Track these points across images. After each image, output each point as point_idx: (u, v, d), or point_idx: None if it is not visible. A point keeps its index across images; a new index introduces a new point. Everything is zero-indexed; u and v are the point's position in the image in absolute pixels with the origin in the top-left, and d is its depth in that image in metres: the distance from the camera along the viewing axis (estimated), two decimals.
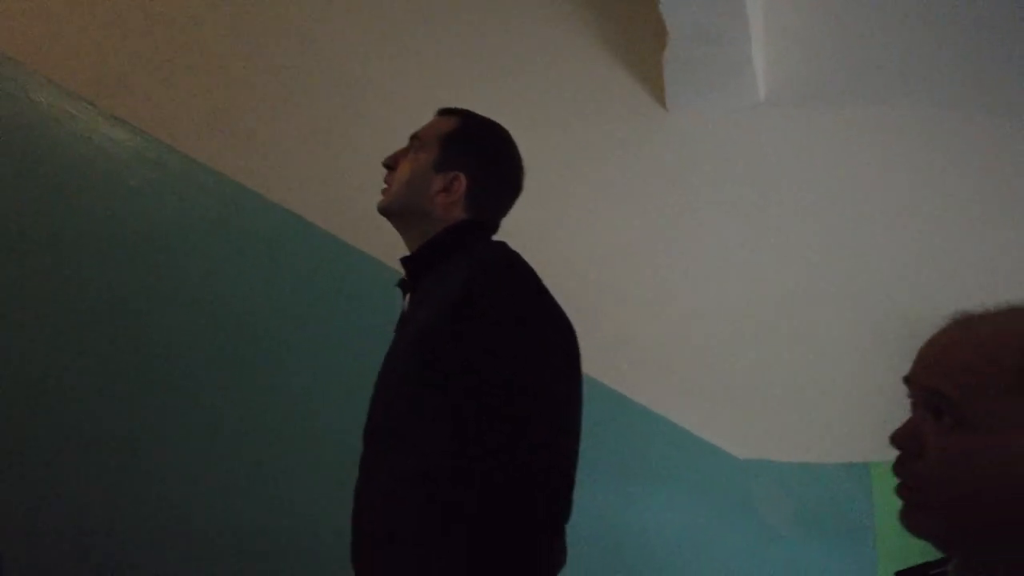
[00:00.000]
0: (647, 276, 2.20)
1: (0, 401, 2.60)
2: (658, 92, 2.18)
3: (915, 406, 0.80)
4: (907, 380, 0.82)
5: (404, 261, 1.42)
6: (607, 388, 2.20)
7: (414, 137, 1.44)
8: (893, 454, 1.92)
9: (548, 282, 1.40)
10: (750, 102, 2.12)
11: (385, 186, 1.44)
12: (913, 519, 0.78)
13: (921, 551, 1.96)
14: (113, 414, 2.55)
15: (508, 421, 1.17)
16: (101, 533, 2.48)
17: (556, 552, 1.25)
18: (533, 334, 1.25)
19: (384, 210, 1.44)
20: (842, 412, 2.03)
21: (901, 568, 1.89)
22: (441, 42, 2.37)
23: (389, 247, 2.38)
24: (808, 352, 2.06)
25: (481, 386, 1.19)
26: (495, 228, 1.47)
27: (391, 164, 1.44)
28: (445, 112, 1.47)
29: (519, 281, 1.28)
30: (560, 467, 1.23)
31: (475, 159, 1.41)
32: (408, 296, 1.43)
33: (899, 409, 1.91)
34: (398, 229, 1.45)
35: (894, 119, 2.04)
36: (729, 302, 2.14)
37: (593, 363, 2.22)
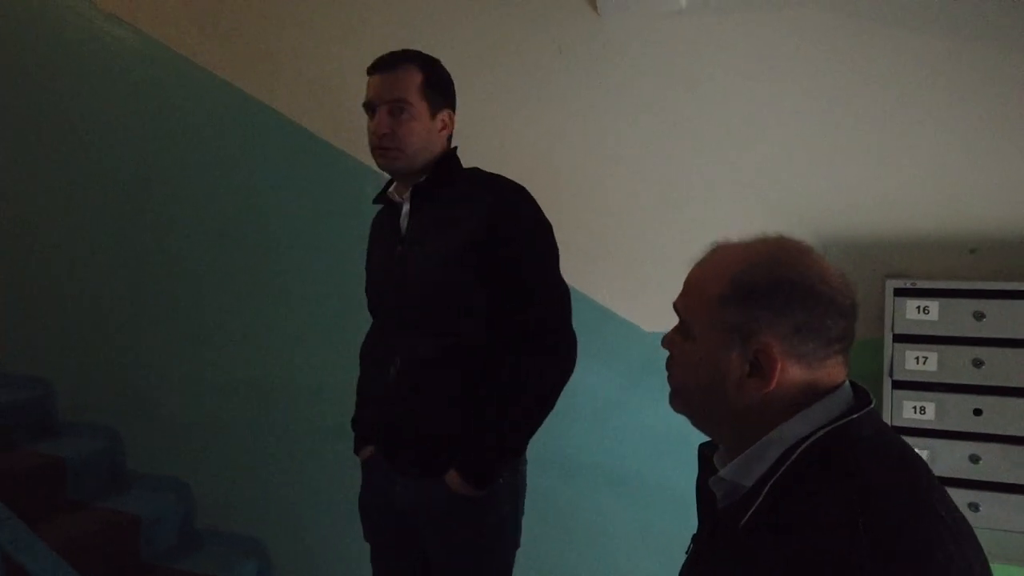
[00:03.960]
0: (576, 171, 2.43)
1: (26, 269, 3.04)
2: None
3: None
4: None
5: (417, 189, 1.64)
6: None
7: (398, 101, 1.59)
8: None
9: None
10: (673, 8, 2.27)
11: (391, 149, 1.60)
12: (671, 402, 0.99)
13: None
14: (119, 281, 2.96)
15: (538, 305, 1.62)
16: (131, 370, 2.96)
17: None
18: (550, 239, 1.66)
19: (404, 170, 1.63)
20: None
21: None
22: None
23: (354, 143, 2.66)
24: (711, 238, 2.29)
25: (515, 285, 1.59)
26: None
27: (392, 137, 1.59)
28: (397, 64, 1.62)
29: (532, 198, 1.66)
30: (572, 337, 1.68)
31: (448, 91, 1.67)
32: (406, 212, 1.66)
33: None
34: (402, 173, 1.66)
35: (804, 24, 2.18)
36: (648, 193, 2.37)
37: None
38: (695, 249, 2.37)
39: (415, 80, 1.60)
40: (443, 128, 1.65)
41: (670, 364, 0.97)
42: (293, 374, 2.75)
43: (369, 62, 2.71)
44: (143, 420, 2.94)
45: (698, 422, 0.97)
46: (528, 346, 1.59)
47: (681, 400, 0.97)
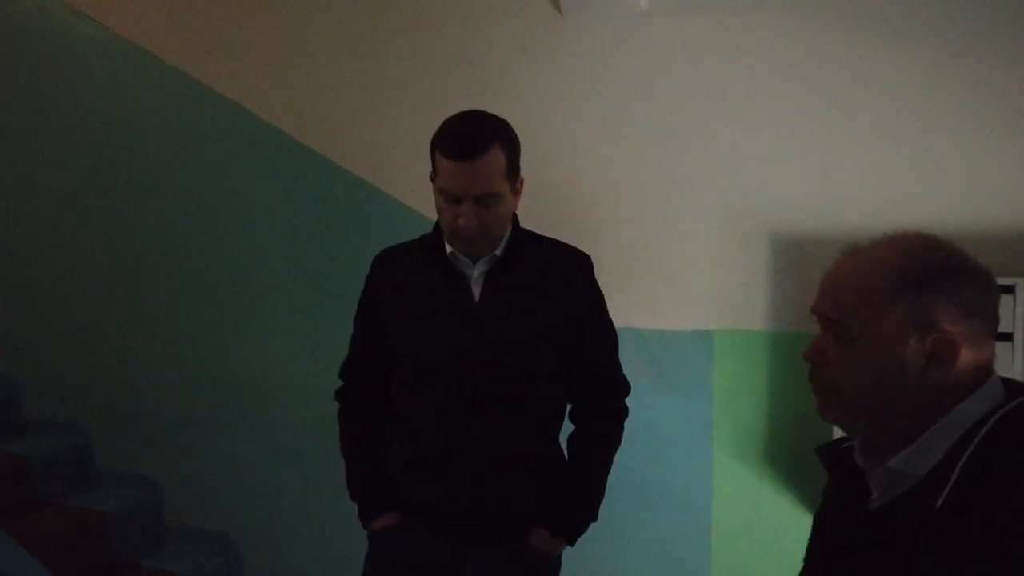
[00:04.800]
0: (540, 169, 2.48)
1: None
2: None
3: (821, 328, 0.96)
4: (812, 310, 0.97)
5: (500, 260, 1.56)
6: None
7: (489, 194, 1.46)
8: (731, 322, 2.30)
9: None
10: (634, 10, 2.33)
11: (479, 238, 1.50)
12: (826, 413, 0.96)
13: (748, 401, 2.34)
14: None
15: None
16: (98, 368, 2.96)
17: None
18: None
19: (488, 252, 1.55)
20: (693, 287, 2.35)
21: (734, 414, 2.25)
22: None
23: (323, 142, 2.68)
24: (669, 236, 2.36)
25: (594, 353, 1.67)
26: None
27: (479, 227, 1.48)
28: (483, 150, 1.44)
29: None
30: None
31: (519, 155, 1.54)
32: (478, 277, 1.56)
33: (739, 288, 2.26)
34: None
35: (761, 28, 2.24)
36: (611, 191, 2.42)
37: None
38: (658, 245, 2.43)
39: (501, 165, 1.47)
40: (517, 195, 1.57)
41: (821, 372, 0.94)
42: (263, 371, 2.77)
43: (336, 58, 2.73)
44: (111, 417, 2.94)
45: (858, 423, 0.94)
46: (598, 411, 1.70)
47: (841, 405, 0.93)
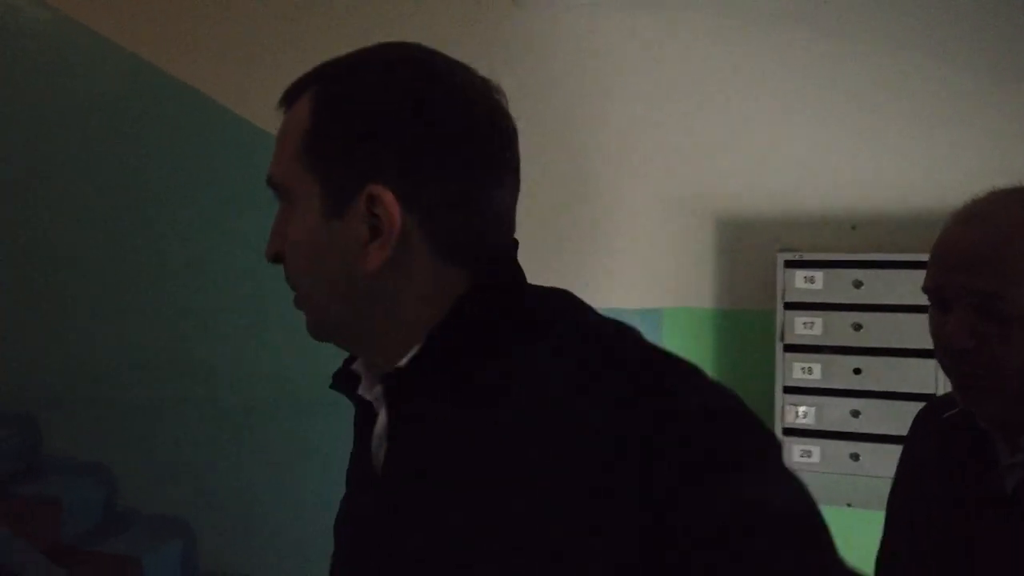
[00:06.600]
0: None
1: None
2: None
3: (951, 305, 0.81)
4: (933, 288, 0.83)
5: (392, 386, 0.68)
6: None
7: (274, 185, 0.73)
8: (679, 301, 2.40)
9: None
10: (583, 0, 2.42)
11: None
12: (981, 405, 0.82)
13: None
14: None
15: None
16: (46, 354, 2.89)
17: None
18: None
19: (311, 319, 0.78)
20: (643, 268, 2.44)
21: None
22: None
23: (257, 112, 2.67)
24: (621, 219, 2.45)
25: None
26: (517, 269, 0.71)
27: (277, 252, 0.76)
28: (289, 95, 0.72)
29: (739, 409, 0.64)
30: None
31: (384, 149, 0.66)
32: (382, 428, 0.71)
33: (686, 268, 2.34)
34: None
35: (702, 20, 2.35)
36: (565, 177, 2.50)
37: None
38: (610, 227, 2.51)
39: (299, 127, 0.69)
40: (354, 225, 0.66)
41: (977, 357, 0.80)
42: (215, 353, 2.77)
43: (284, 42, 2.76)
44: (61, 404, 2.91)
45: (1016, 411, 0.82)
46: None
47: (998, 392, 0.80)
